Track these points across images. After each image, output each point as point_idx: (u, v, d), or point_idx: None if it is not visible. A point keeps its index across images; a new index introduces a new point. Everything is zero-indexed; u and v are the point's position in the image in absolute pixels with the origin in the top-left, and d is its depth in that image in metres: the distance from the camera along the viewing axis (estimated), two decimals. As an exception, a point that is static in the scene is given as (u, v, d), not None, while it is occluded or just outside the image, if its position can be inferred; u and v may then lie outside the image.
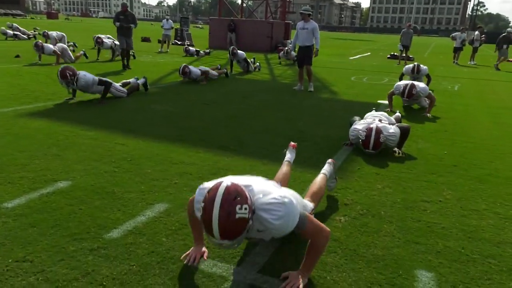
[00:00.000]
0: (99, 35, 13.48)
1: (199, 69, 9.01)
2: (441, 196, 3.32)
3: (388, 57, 19.01)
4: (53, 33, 15.07)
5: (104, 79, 6.43)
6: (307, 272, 2.15)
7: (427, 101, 6.73)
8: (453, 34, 17.27)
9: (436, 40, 55.79)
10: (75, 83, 6.10)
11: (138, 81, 7.31)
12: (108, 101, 6.40)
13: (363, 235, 2.66)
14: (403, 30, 15.59)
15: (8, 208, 2.77)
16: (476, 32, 17.35)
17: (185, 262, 2.26)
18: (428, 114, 6.41)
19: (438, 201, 3.22)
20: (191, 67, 8.88)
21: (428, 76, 8.30)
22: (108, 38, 13.87)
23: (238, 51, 10.93)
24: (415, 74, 8.00)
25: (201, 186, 1.98)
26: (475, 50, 17.29)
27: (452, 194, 3.37)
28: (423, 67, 8.12)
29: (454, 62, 16.86)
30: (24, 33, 19.95)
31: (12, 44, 15.99)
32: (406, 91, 6.36)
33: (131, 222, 2.68)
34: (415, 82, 6.56)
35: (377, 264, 2.34)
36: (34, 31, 21.76)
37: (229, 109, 6.32)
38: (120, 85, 6.86)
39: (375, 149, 4.24)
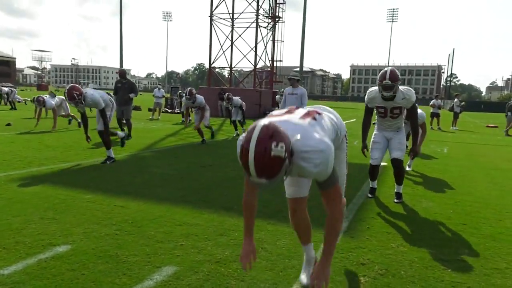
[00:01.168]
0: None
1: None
2: (458, 255, 3.21)
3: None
4: (43, 96, 15.38)
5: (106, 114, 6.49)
6: (329, 257, 2.11)
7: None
8: (432, 102, 18.03)
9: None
10: (83, 102, 6.09)
11: (121, 133, 7.63)
12: (104, 166, 6.29)
13: (388, 297, 2.50)
14: None
15: (4, 275, 2.55)
16: (455, 100, 18.23)
17: (242, 268, 2.22)
18: (419, 152, 6.24)
19: (456, 260, 3.11)
20: (197, 95, 9.25)
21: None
22: None
23: (233, 97, 11.23)
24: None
25: (240, 137, 1.93)
26: (456, 116, 18.01)
27: (468, 253, 3.27)
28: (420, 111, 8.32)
29: (431, 127, 17.42)
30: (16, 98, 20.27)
31: (2, 114, 16.01)
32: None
33: (139, 287, 2.47)
34: None
35: (409, 327, 2.17)
36: (25, 101, 22.11)
37: (227, 171, 6.26)
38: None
39: (392, 80, 4.29)
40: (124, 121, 9.85)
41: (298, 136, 1.89)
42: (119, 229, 3.47)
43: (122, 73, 10.27)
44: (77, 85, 6.27)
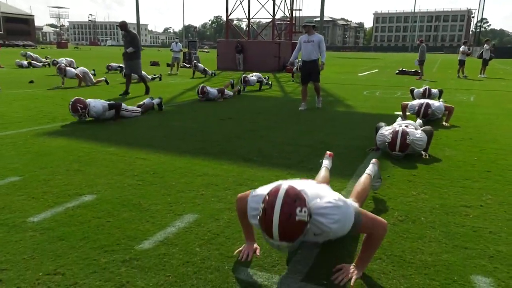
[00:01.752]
0: (110, 64, 13.65)
1: (216, 89, 8.99)
2: (481, 201, 3.16)
3: (397, 73, 19.00)
4: (62, 60, 15.39)
5: (113, 102, 6.37)
6: (362, 265, 2.13)
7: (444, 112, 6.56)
8: (463, 48, 17.11)
9: (442, 56, 55.79)
10: (86, 115, 6.02)
11: (153, 101, 7.28)
12: (124, 120, 6.36)
13: (407, 241, 2.50)
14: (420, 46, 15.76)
15: (34, 222, 2.67)
16: (485, 45, 17.27)
17: (238, 258, 2.25)
18: (446, 123, 6.27)
19: (479, 206, 3.06)
20: (208, 87, 8.86)
21: (439, 92, 8.35)
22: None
23: (250, 78, 10.97)
24: (426, 98, 7.79)
25: (253, 193, 2.03)
26: (485, 63, 17.18)
27: (492, 199, 3.21)
28: (434, 90, 8.15)
29: (458, 76, 16.74)
30: (37, 60, 20.33)
31: (26, 72, 16.24)
32: (422, 111, 6.11)
33: (162, 233, 2.56)
34: (430, 101, 6.48)
35: (427, 270, 2.18)
36: (46, 59, 22.15)
37: (246, 124, 6.24)
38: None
39: (402, 151, 4.17)
40: (138, 78, 9.61)
41: (318, 200, 1.90)
42: (141, 179, 3.55)
43: (122, 25, 9.57)
44: (81, 98, 6.08)
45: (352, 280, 2.05)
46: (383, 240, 2.14)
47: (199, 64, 15.95)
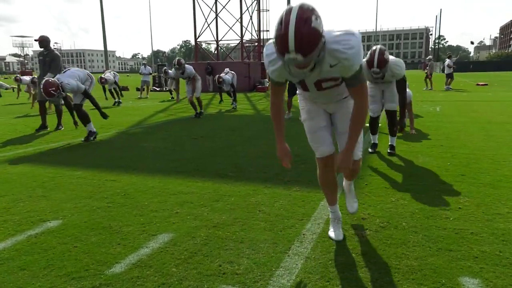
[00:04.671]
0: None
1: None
2: (459, 204, 3.16)
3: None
4: (26, 78, 15.02)
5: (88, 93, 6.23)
6: (353, 144, 2.18)
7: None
8: (448, 62, 17.69)
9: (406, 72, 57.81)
10: (62, 93, 5.92)
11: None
12: (93, 144, 6.12)
13: (391, 247, 2.44)
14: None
15: (-9, 252, 2.44)
16: (447, 60, 17.91)
17: (283, 165, 2.40)
18: (413, 131, 6.36)
19: (457, 208, 3.05)
20: (186, 65, 8.80)
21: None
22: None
23: (224, 76, 10.97)
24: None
25: (268, 42, 2.07)
26: (450, 76, 17.78)
27: (469, 201, 3.21)
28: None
29: (448, 87, 17.29)
30: (2, 86, 19.69)
31: (-14, 100, 15.58)
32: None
33: (134, 255, 2.38)
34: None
35: (415, 275, 2.11)
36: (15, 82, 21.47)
37: (219, 141, 6.13)
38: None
39: (380, 67, 4.17)
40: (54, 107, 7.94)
41: (331, 31, 1.93)
42: (111, 201, 3.36)
43: (43, 40, 7.48)
44: (50, 80, 5.87)
45: (350, 163, 2.19)
46: (366, 116, 2.16)
47: (169, 71, 15.18)
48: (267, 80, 21.02)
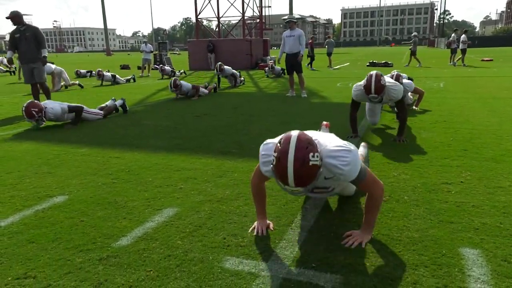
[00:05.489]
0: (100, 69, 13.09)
1: (191, 85, 8.84)
2: (461, 178, 3.18)
3: (368, 65, 19.28)
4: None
5: (73, 105, 5.94)
6: (369, 227, 2.20)
7: (411, 98, 6.58)
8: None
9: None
10: (43, 119, 5.52)
11: (115, 102, 6.84)
12: (94, 122, 6.14)
13: (393, 220, 2.47)
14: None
15: (1, 227, 2.49)
16: (463, 36, 17.58)
17: (254, 234, 2.30)
18: (416, 107, 6.34)
19: (459, 182, 3.08)
20: (182, 81, 8.72)
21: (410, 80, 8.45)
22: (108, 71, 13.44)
23: (225, 66, 10.84)
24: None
25: (265, 142, 2.11)
26: (463, 52, 17.50)
27: (471, 175, 3.23)
28: (404, 75, 8.17)
29: (463, 64, 17.14)
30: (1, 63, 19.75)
31: (-12, 80, 15.55)
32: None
33: (140, 228, 2.43)
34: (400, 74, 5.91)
35: (415, 246, 2.15)
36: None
37: (222, 119, 6.14)
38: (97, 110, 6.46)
39: (377, 93, 4.16)
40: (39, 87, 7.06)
41: (328, 144, 1.98)
42: (116, 177, 3.40)
43: (15, 16, 6.63)
44: (36, 101, 5.59)
45: (363, 243, 2.14)
46: (382, 200, 2.19)
47: (166, 67, 15.55)
48: (269, 57, 20.83)
